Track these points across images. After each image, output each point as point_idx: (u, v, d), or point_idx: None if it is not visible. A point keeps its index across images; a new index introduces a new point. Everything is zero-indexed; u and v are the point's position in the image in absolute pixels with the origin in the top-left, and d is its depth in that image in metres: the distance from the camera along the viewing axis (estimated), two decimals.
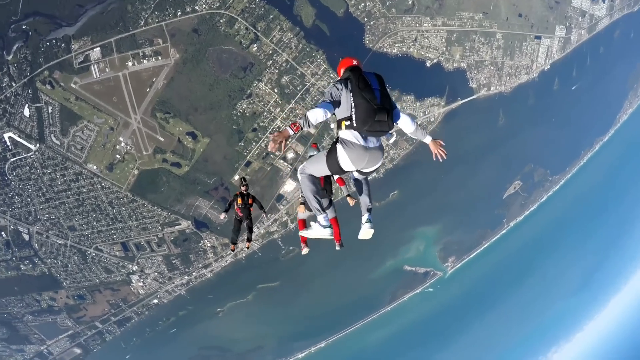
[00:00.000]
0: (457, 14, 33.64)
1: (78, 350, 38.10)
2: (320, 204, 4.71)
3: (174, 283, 34.66)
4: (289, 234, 32.44)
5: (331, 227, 4.87)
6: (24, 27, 29.83)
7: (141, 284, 34.61)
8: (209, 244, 33.28)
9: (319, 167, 4.50)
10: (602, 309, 58.96)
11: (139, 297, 35.17)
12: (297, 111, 31.16)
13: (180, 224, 32.56)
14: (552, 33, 37.17)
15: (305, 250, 7.51)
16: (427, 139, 4.59)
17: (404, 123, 4.40)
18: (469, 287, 40.11)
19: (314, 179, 4.69)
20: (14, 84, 30.28)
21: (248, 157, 31.39)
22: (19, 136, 31.13)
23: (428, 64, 33.40)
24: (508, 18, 35.36)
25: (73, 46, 29.99)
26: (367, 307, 38.45)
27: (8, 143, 31.26)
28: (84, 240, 33.49)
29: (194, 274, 34.26)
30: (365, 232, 4.99)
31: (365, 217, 5.05)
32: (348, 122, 4.02)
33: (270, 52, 30.53)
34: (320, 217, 4.86)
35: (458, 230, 38.61)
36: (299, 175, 4.69)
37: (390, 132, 4.08)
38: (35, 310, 35.96)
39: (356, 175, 4.97)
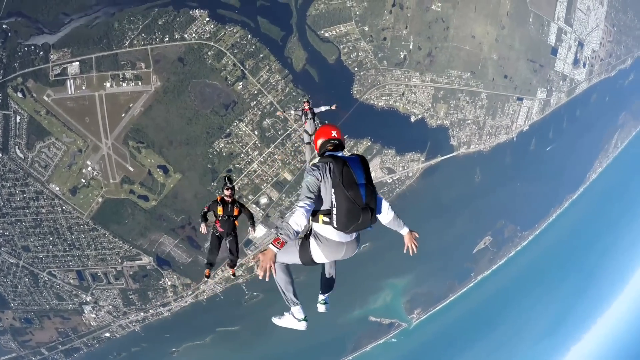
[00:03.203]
0: (446, 72, 34.17)
1: None
2: (295, 294, 4.30)
3: (128, 318, 32.89)
4: (254, 280, 31.42)
5: (306, 320, 4.46)
6: (4, 26, 28.25)
7: (94, 315, 32.68)
8: (169, 283, 31.88)
9: (290, 258, 4.00)
10: (563, 357, 60.62)
11: (90, 328, 33.17)
12: (276, 156, 30.51)
13: (141, 259, 31.06)
14: (534, 95, 38.43)
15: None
16: (404, 231, 4.09)
17: (384, 214, 3.95)
18: (433, 338, 40.21)
19: (286, 269, 4.25)
20: None
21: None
22: None
23: (412, 119, 33.65)
24: (494, 79, 36.27)
25: (52, 56, 28.59)
26: (329, 355, 37.77)
27: None
28: (38, 262, 31.50)
29: (150, 311, 32.66)
30: (319, 308, 4.86)
31: (321, 297, 4.74)
32: (327, 219, 3.54)
33: (256, 92, 29.90)
34: (295, 309, 4.41)
35: (426, 283, 38.80)
36: None
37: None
38: None
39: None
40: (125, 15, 28.68)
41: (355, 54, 31.65)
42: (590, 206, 48.33)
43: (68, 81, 28.64)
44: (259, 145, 30.21)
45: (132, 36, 28.71)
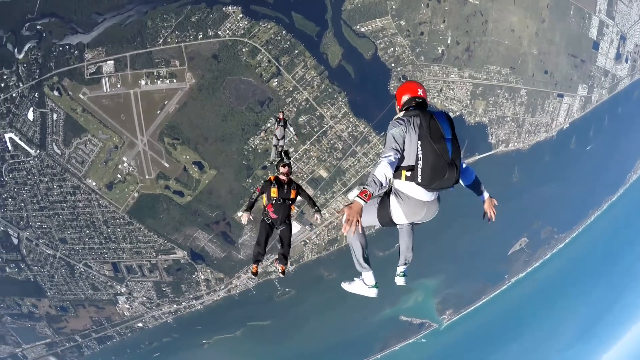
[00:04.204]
0: (484, 67, 32.81)
1: (53, 359, 37.01)
2: (367, 259, 4.10)
3: (161, 310, 33.50)
4: (287, 275, 31.22)
5: (377, 287, 4.25)
6: (38, 27, 28.79)
7: (127, 306, 33.45)
8: (202, 277, 32.19)
9: (368, 218, 3.86)
10: None
11: (123, 318, 34.00)
12: (311, 153, 30.08)
13: (175, 253, 31.44)
14: (575, 92, 36.61)
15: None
16: (485, 195, 3.97)
17: (467, 175, 3.93)
18: (463, 340, 39.36)
19: (362, 230, 4.03)
20: (21, 85, 29.23)
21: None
22: (20, 139, 30.14)
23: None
24: (534, 74, 34.67)
25: (86, 55, 28.93)
26: (357, 354, 37.47)
27: (8, 144, 30.27)
28: (74, 254, 32.34)
29: (183, 303, 33.14)
30: (398, 281, 4.54)
31: (400, 269, 4.45)
32: (409, 174, 3.45)
33: (291, 88, 29.43)
34: (366, 275, 4.20)
35: (459, 284, 37.90)
36: None
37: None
38: (15, 313, 34.90)
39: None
40: (158, 14, 28.61)
41: (392, 49, 30.69)
42: (628, 209, 46.12)
43: (103, 79, 28.96)
44: (295, 142, 29.89)
45: (166, 34, 28.67)
